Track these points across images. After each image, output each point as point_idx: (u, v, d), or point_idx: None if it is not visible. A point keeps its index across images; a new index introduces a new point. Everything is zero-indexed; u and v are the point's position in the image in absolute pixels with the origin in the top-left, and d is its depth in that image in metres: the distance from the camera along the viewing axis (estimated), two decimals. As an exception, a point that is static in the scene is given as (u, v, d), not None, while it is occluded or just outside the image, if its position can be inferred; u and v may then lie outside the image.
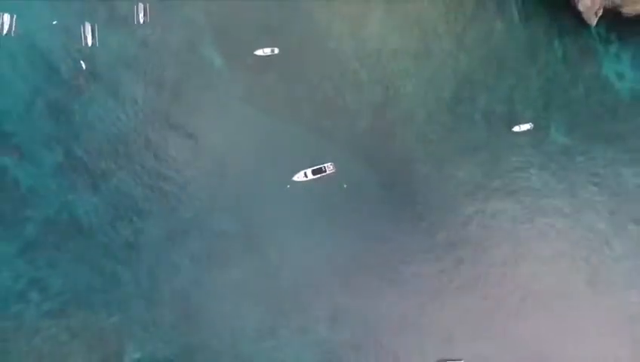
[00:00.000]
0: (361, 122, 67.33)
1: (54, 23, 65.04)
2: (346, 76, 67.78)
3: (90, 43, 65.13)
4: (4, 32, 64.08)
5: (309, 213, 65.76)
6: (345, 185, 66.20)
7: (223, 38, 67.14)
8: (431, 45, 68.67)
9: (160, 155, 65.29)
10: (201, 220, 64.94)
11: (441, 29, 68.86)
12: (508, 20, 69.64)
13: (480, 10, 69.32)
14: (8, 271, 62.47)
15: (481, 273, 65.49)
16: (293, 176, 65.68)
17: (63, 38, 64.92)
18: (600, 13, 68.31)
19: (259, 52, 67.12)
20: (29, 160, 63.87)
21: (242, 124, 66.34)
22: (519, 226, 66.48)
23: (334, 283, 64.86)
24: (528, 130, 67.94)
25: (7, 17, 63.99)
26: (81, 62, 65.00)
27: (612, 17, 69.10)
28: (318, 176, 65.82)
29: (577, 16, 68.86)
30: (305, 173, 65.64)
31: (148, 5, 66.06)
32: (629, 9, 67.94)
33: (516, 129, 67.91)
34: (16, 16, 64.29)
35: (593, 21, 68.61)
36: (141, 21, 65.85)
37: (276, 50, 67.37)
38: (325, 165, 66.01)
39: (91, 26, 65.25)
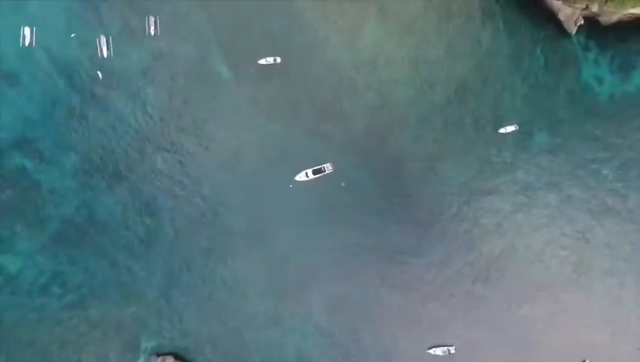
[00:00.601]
0: (357, 125, 69.42)
1: (72, 35, 67.63)
2: (343, 83, 69.78)
3: (105, 54, 67.72)
4: (26, 43, 66.99)
5: (310, 210, 68.18)
6: (343, 184, 68.57)
7: (228, 48, 69.13)
8: (422, 54, 70.53)
9: (171, 158, 67.83)
10: (210, 218, 67.52)
11: (432, 39, 70.66)
12: (494, 30, 71.16)
13: (468, 21, 71.02)
14: (32, 266, 65.74)
15: (470, 264, 68.03)
16: (295, 176, 68.04)
17: (80, 50, 67.59)
18: (579, 22, 69.93)
19: (262, 61, 69.15)
20: (50, 163, 66.91)
21: (247, 128, 68.58)
22: (506, 220, 68.79)
23: (334, 274, 67.40)
24: (513, 131, 69.85)
25: (28, 30, 66.97)
26: (98, 72, 67.57)
27: (591, 26, 70.61)
28: (318, 175, 68.20)
29: (558, 25, 70.43)
30: (306, 173, 68.09)
31: (158, 18, 68.37)
32: (607, 18, 69.52)
33: (502, 130, 69.88)
34: (37, 30, 67.14)
35: (573, 30, 70.20)
36: (152, 33, 68.34)
37: (278, 59, 69.28)
38: (324, 165, 68.41)
39: (106, 38, 67.73)
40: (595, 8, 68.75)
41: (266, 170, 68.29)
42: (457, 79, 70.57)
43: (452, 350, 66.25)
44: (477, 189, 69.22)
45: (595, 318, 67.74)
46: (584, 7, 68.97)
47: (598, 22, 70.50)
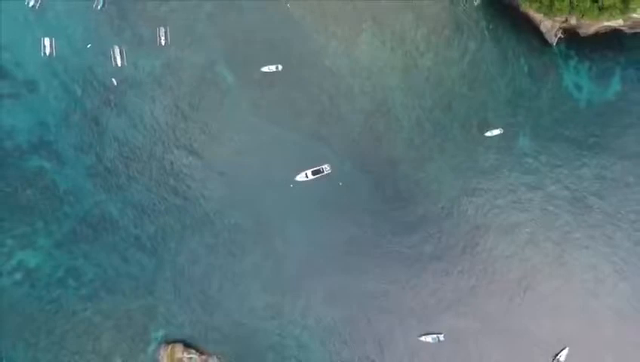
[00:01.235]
0: (353, 129, 72.75)
1: (89, 46, 71.53)
2: (340, 89, 73.12)
3: (119, 63, 71.51)
4: (47, 53, 71.02)
5: (309, 208, 71.36)
6: (340, 183, 71.80)
7: (233, 57, 72.57)
8: (414, 62, 74.12)
9: (178, 160, 71.05)
10: (216, 215, 70.63)
11: (423, 49, 74.27)
12: (480, 41, 74.76)
13: (456, 32, 74.74)
14: (49, 261, 69.03)
15: (458, 256, 71.34)
16: (295, 176, 71.27)
17: (96, 59, 71.37)
18: (559, 33, 73.87)
19: (265, 68, 72.58)
20: (66, 164, 70.29)
21: (251, 131, 71.76)
22: (492, 216, 72.24)
23: (331, 268, 70.38)
24: (499, 134, 73.28)
25: (47, 41, 70.99)
26: (112, 79, 71.25)
27: (571, 37, 74.42)
28: (317, 176, 71.41)
29: (540, 36, 74.09)
30: (306, 174, 71.27)
31: (168, 29, 72.14)
32: (585, 30, 73.33)
33: (488, 134, 73.38)
34: (56, 40, 71.02)
35: (554, 40, 74.00)
36: (162, 43, 72.15)
37: (280, 67, 72.66)
38: (323, 166, 71.67)
39: (120, 48, 71.52)
40: (573, 21, 72.61)
41: (268, 171, 71.11)
42: (447, 86, 74.08)
43: (441, 337, 69.57)
44: (465, 188, 72.58)
45: (573, 309, 70.79)
46: (564, 20, 72.83)
47: (577, 33, 74.20)
